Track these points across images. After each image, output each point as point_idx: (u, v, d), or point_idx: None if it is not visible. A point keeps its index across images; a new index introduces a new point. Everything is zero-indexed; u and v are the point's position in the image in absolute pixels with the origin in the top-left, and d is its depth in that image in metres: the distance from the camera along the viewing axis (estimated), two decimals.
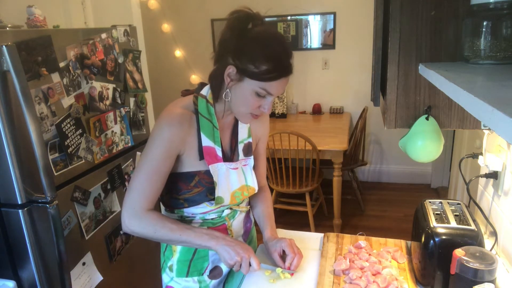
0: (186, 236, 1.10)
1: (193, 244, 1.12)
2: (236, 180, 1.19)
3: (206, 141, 1.13)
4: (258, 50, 1.01)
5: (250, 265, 1.10)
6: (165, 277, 1.26)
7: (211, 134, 1.13)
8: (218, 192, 1.14)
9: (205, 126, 1.12)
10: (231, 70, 1.03)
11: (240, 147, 1.22)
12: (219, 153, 1.15)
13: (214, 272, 1.25)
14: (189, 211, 1.20)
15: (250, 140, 1.25)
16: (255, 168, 1.31)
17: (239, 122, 1.22)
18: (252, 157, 1.25)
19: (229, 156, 1.21)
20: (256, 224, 1.38)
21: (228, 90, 1.07)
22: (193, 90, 1.18)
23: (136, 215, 1.08)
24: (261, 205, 1.35)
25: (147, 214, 1.09)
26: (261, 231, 1.31)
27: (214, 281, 1.25)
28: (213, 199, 1.15)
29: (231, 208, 1.24)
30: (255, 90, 1.03)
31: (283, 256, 1.21)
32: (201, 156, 1.13)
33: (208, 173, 1.14)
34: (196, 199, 1.16)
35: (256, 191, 1.27)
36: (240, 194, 1.21)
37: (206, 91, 1.14)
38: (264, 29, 1.05)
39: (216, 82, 1.10)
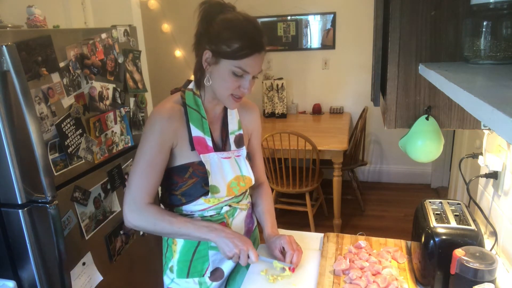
0: (185, 228, 1.11)
1: (193, 236, 1.13)
2: (230, 170, 1.20)
3: (195, 132, 1.15)
4: (229, 30, 1.04)
5: (248, 257, 1.11)
6: (166, 279, 1.26)
7: (200, 125, 1.16)
8: (212, 181, 1.16)
9: (194, 117, 1.15)
10: (207, 54, 1.08)
11: (231, 138, 1.24)
12: (209, 143, 1.17)
13: (216, 274, 1.25)
14: (187, 208, 1.20)
15: (241, 132, 1.27)
16: (252, 164, 1.32)
17: (228, 114, 1.24)
18: (244, 148, 1.26)
19: (220, 146, 1.22)
20: (259, 224, 1.38)
21: (208, 75, 1.11)
22: (180, 87, 1.21)
23: (136, 209, 1.11)
24: (261, 202, 1.35)
25: (147, 207, 1.11)
26: (262, 229, 1.31)
27: (215, 283, 1.25)
28: (208, 191, 1.16)
29: (230, 206, 1.25)
30: (231, 70, 1.06)
31: (283, 253, 1.22)
32: (192, 147, 1.15)
33: (201, 163, 1.16)
34: (192, 192, 1.17)
35: (253, 182, 1.28)
36: (237, 184, 1.21)
37: (192, 85, 1.19)
38: (235, 13, 1.09)
39: (199, 71, 1.14)
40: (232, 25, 1.05)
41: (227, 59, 1.05)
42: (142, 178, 1.11)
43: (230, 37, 1.04)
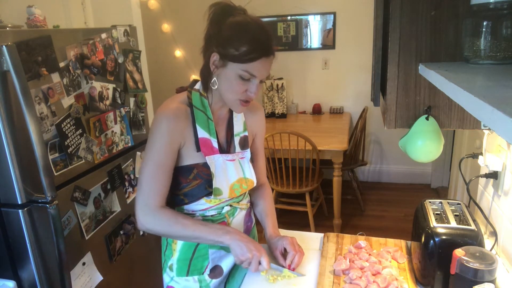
0: (199, 232, 1.11)
1: (206, 240, 1.13)
2: (234, 172, 1.20)
3: (201, 133, 1.15)
4: (237, 33, 1.04)
5: (260, 263, 1.10)
6: (166, 277, 1.26)
7: (206, 126, 1.16)
8: (216, 183, 1.15)
9: (200, 118, 1.15)
10: (215, 57, 1.07)
11: (236, 140, 1.24)
12: (215, 145, 1.17)
13: (215, 271, 1.25)
14: (189, 208, 1.20)
15: (246, 133, 1.27)
16: (254, 165, 1.32)
17: (234, 115, 1.24)
18: (248, 150, 1.26)
19: (225, 148, 1.22)
20: (258, 223, 1.39)
21: (215, 78, 1.10)
22: (187, 87, 1.21)
23: (150, 213, 1.11)
24: (262, 203, 1.35)
25: (160, 210, 1.11)
26: (263, 229, 1.31)
27: (214, 281, 1.25)
28: (211, 193, 1.16)
29: (231, 205, 1.25)
30: (238, 74, 1.05)
31: (284, 254, 1.22)
32: (198, 148, 1.15)
33: (206, 165, 1.15)
34: (195, 193, 1.17)
35: (254, 184, 1.28)
36: (239, 186, 1.21)
37: (199, 85, 1.18)
38: (244, 16, 1.08)
39: (205, 74, 1.13)
40: (241, 28, 1.04)
41: (235, 62, 1.04)
42: (154, 180, 1.10)
43: (238, 40, 1.02)
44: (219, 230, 1.12)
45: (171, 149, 1.11)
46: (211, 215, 1.22)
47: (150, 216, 1.10)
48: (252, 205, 1.38)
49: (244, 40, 1.02)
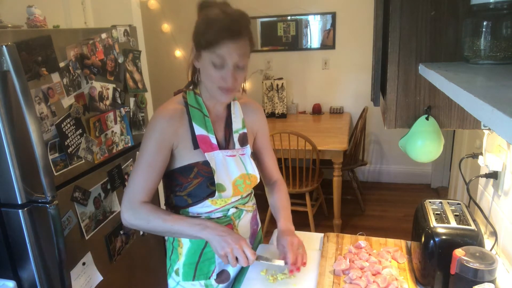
0: (178, 226, 1.10)
1: (186, 234, 1.13)
2: (235, 168, 1.19)
3: (199, 130, 1.16)
4: (205, 22, 1.07)
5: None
6: (171, 282, 1.25)
7: (202, 123, 1.17)
8: (217, 179, 1.15)
9: (196, 116, 1.16)
10: (193, 51, 1.11)
11: (235, 137, 1.24)
12: (214, 141, 1.17)
13: (222, 276, 1.24)
14: (194, 210, 1.20)
15: (245, 130, 1.26)
16: (262, 163, 1.33)
17: (232, 113, 1.25)
18: (248, 146, 1.26)
19: (224, 145, 1.22)
20: (263, 226, 1.38)
21: (198, 72, 1.15)
22: (183, 88, 1.22)
23: (131, 208, 1.12)
24: (274, 200, 1.33)
25: (142, 205, 1.12)
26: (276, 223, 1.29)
27: (221, 286, 1.24)
28: (215, 192, 1.15)
29: (236, 207, 1.24)
30: (211, 61, 1.07)
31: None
32: (196, 145, 1.15)
33: (206, 163, 1.15)
34: (198, 192, 1.16)
35: (258, 180, 1.27)
36: (242, 182, 1.21)
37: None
38: (217, 7, 1.10)
39: (193, 71, 1.18)
40: (208, 17, 1.08)
41: (205, 50, 1.07)
42: (140, 178, 1.12)
43: (204, 28, 1.06)
44: (197, 225, 1.10)
45: (162, 149, 1.12)
46: (217, 218, 1.21)
47: (131, 211, 1.12)
48: (269, 205, 1.37)
49: (208, 26, 1.05)
